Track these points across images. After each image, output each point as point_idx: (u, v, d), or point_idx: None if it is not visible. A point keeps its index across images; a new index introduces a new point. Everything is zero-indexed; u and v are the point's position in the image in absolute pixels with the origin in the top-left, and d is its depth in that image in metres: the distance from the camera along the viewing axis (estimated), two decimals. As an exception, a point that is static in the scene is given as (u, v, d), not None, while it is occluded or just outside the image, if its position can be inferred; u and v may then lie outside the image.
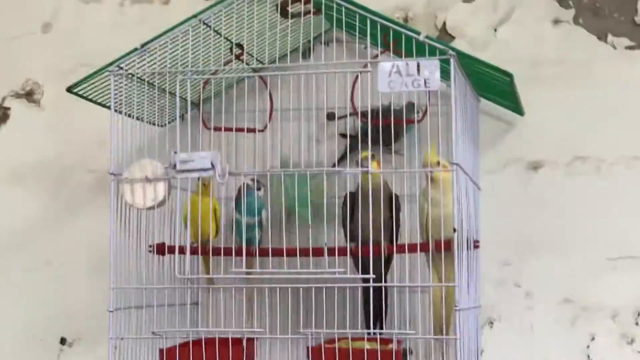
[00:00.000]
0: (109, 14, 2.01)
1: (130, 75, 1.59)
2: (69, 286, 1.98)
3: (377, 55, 1.67)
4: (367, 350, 1.49)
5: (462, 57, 1.48)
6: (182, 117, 1.63)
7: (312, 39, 1.82)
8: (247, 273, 1.61)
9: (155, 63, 1.59)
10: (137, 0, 1.99)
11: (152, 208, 1.59)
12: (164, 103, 1.71)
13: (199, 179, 1.61)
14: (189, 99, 1.59)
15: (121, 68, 1.59)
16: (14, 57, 2.06)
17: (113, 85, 1.59)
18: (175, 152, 1.52)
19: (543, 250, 1.79)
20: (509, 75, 1.52)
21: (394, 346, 1.51)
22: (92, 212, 1.94)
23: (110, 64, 1.58)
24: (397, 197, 1.62)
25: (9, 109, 2.05)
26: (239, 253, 1.56)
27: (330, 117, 1.78)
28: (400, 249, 1.57)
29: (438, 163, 1.55)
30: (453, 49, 1.46)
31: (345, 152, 1.77)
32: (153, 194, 1.58)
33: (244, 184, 1.66)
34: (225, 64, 1.69)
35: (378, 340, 1.53)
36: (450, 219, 1.48)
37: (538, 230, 1.79)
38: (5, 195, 2.05)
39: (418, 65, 1.44)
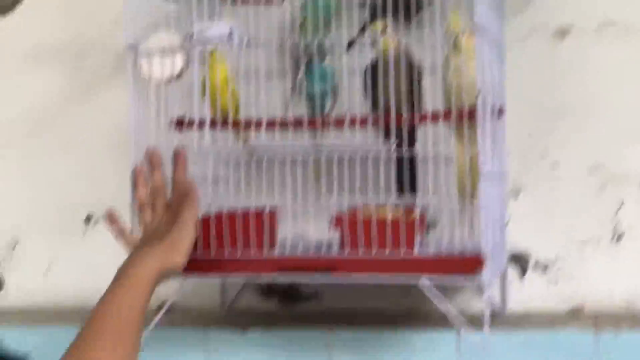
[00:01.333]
0: None
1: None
2: (90, 167, 2.01)
3: None
4: (390, 219, 1.50)
5: None
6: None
7: None
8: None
9: None
10: None
11: (170, 81, 1.59)
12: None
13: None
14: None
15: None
16: None
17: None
18: (194, 23, 1.52)
19: (569, 120, 1.78)
20: None
21: (417, 215, 1.52)
22: (111, 91, 1.95)
23: None
24: (419, 66, 1.61)
25: (23, -12, 2.06)
26: (259, 125, 1.58)
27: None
28: (424, 118, 1.56)
29: (461, 30, 1.52)
30: None
31: (365, 24, 1.76)
32: (171, 66, 1.58)
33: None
34: None
35: (402, 209, 1.55)
36: (473, 87, 1.47)
37: (564, 98, 1.78)
38: (21, 78, 2.05)
39: None
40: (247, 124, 1.62)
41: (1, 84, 2.08)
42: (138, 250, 1.47)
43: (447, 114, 1.54)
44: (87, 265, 1.97)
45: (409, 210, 1.56)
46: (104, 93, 1.99)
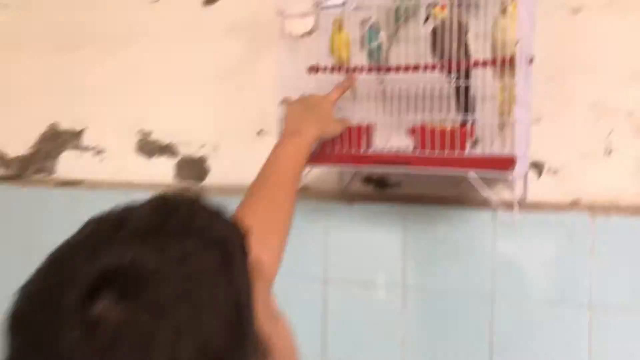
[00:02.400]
0: None
1: None
2: (259, 99, 2.44)
3: None
4: (449, 129, 1.89)
5: None
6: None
7: None
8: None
9: None
10: None
11: (303, 36, 2.13)
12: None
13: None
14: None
15: None
16: None
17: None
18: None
19: (577, 71, 1.98)
20: None
21: (468, 127, 1.88)
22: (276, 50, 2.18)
23: None
24: (466, 25, 1.94)
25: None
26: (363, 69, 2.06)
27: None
28: (476, 63, 1.92)
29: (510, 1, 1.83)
30: None
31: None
32: (304, 25, 2.12)
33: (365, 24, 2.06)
34: None
35: (458, 123, 1.92)
36: (513, 42, 1.81)
37: (577, 56, 1.98)
38: (221, 45, 2.52)
39: None
40: (354, 69, 2.10)
41: (209, 48, 2.50)
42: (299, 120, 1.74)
43: (493, 61, 1.90)
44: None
45: (463, 124, 1.89)
46: (271, 52, 2.42)
